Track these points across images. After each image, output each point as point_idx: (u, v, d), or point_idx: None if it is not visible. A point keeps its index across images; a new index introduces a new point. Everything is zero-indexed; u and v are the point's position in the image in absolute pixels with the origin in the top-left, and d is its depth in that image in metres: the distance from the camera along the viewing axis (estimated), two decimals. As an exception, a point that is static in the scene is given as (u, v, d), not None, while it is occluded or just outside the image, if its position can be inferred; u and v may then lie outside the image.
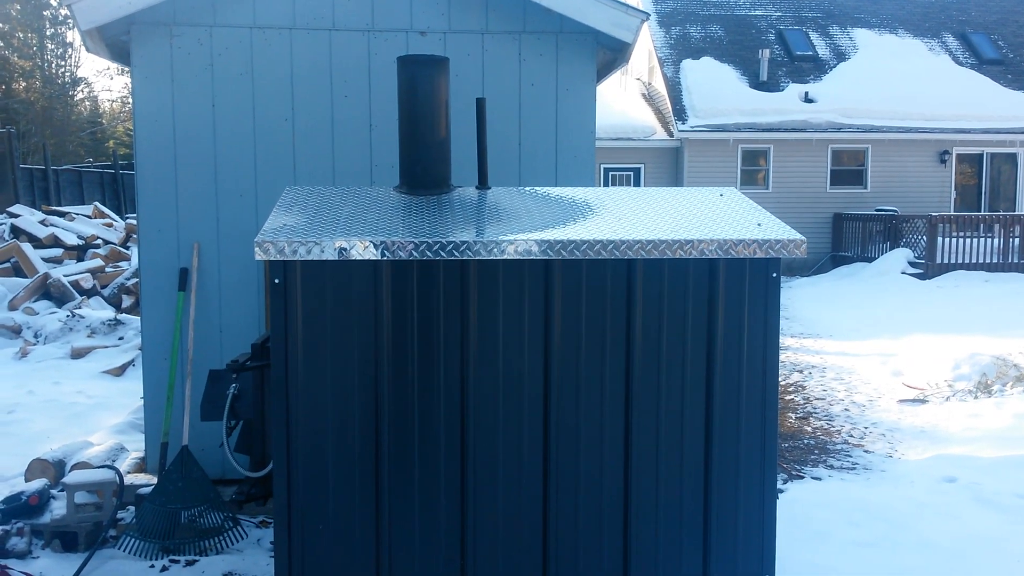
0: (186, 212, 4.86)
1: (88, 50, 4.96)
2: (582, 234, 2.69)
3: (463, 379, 2.74)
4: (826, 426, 6.88)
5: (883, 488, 5.27)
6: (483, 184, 3.36)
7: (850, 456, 6.05)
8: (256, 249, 2.66)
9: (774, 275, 2.70)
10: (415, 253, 2.67)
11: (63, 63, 34.88)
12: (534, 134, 5.03)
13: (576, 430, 2.76)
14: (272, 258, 2.66)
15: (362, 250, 2.68)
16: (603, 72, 5.59)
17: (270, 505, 3.11)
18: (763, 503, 2.77)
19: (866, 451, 6.17)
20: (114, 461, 4.94)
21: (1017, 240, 15.79)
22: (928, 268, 15.62)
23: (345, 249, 2.67)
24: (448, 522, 2.77)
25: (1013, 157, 19.25)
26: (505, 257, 2.65)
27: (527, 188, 3.43)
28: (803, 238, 2.72)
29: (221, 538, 4.24)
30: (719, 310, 2.72)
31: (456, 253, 2.64)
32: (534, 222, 2.88)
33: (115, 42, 4.99)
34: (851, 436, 6.57)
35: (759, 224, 2.80)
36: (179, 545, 4.16)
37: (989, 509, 4.75)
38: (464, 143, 4.52)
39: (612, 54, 5.30)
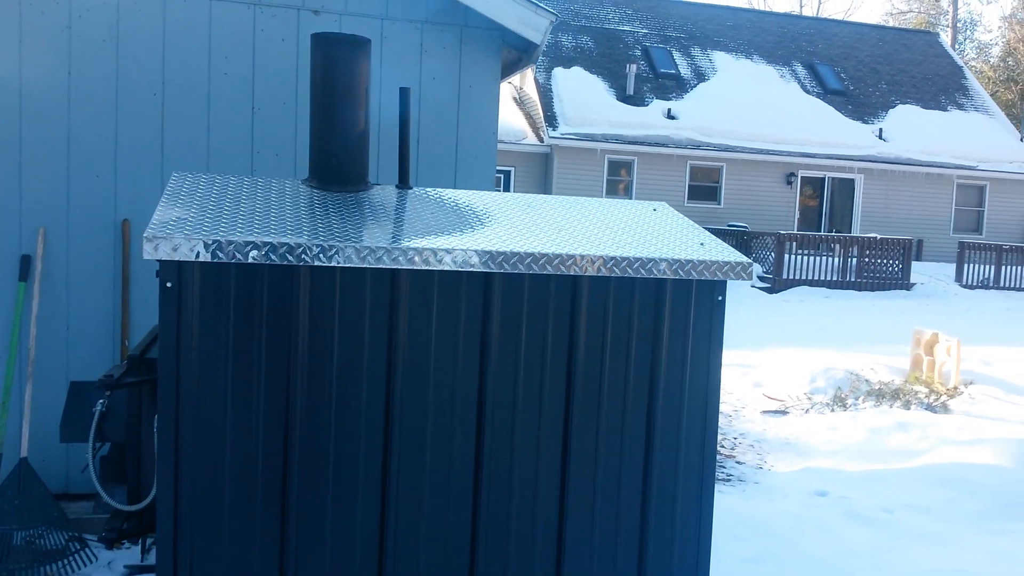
0: (31, 192, 4.24)
1: (-83, -3, 4.22)
2: (525, 246, 2.46)
3: (388, 398, 2.45)
4: (700, 437, 7.01)
5: (760, 501, 5.38)
6: (404, 183, 3.06)
7: (724, 467, 6.17)
8: (146, 245, 2.25)
9: (719, 298, 2.59)
10: (338, 258, 2.34)
11: None
12: (434, 131, 4.77)
13: (511, 455, 2.53)
14: (163, 257, 2.26)
15: (273, 252, 2.33)
16: (506, 72, 5.40)
17: (151, 539, 2.68)
18: (700, 524, 2.66)
19: (738, 462, 6.32)
20: (-70, 477, 4.23)
21: (855, 260, 17.02)
22: (775, 283, 16.54)
23: (253, 250, 2.31)
24: (363, 562, 2.46)
25: (851, 183, 20.81)
26: (443, 268, 2.38)
27: (455, 191, 3.17)
28: (750, 261, 2.63)
29: (65, 561, 3.71)
30: (664, 331, 2.58)
31: (387, 261, 2.34)
32: (470, 229, 2.62)
33: (-48, -8, 4.27)
34: (723, 446, 6.72)
35: (702, 244, 2.68)
36: (13, 571, 3.61)
37: (861, 524, 4.93)
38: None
39: (517, 53, 5.12)
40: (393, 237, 2.45)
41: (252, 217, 2.52)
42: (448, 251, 2.37)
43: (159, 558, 2.31)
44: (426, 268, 2.36)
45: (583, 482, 2.58)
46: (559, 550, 2.56)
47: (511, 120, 19.79)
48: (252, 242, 2.30)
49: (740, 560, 4.42)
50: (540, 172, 19.42)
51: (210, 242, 2.26)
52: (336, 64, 2.80)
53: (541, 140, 19.20)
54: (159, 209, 2.47)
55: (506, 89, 21.69)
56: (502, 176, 19.36)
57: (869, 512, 5.11)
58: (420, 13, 4.72)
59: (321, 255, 2.31)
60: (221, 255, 2.27)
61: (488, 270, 2.39)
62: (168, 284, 2.28)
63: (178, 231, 2.28)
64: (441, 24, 4.74)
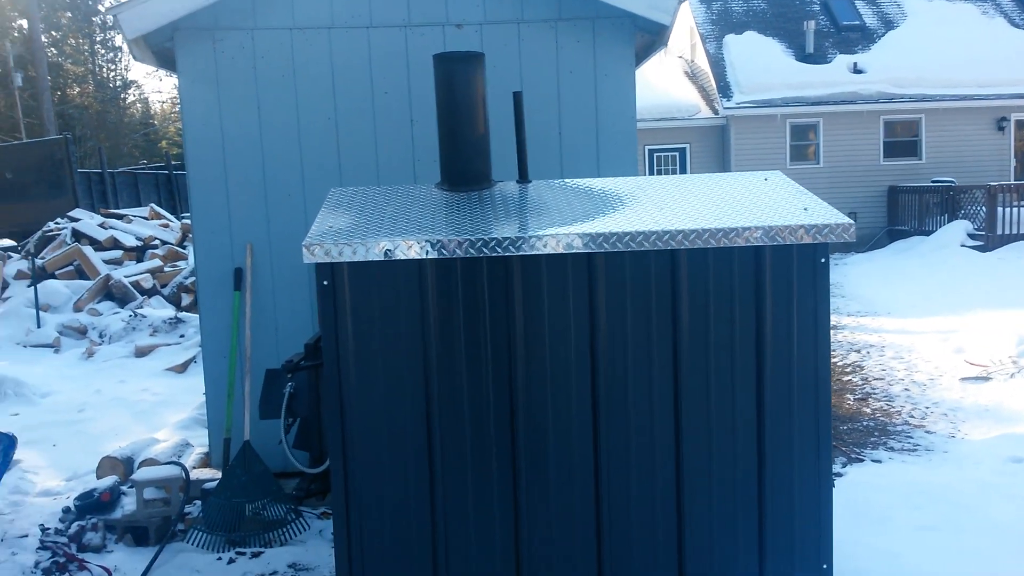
0: (237, 213, 4.97)
1: (135, 58, 5.09)
2: (624, 226, 2.68)
3: (511, 374, 2.77)
4: (886, 407, 6.74)
5: (946, 469, 5.16)
6: (523, 178, 3.37)
7: (911, 437, 5.93)
8: (304, 251, 2.72)
9: (823, 260, 2.66)
10: (458, 251, 2.69)
11: (114, 67, 35.79)
12: (574, 122, 5.01)
13: (626, 423, 2.76)
14: (320, 260, 2.71)
15: (407, 249, 2.72)
16: (642, 55, 5.53)
17: (330, 498, 3.19)
18: (819, 493, 2.74)
19: (927, 432, 6.04)
20: (179, 457, 5.10)
21: (1084, 206, 15.18)
22: (989, 240, 15.12)
23: (390, 250, 2.71)
24: (502, 516, 2.80)
25: (1078, 120, 18.48)
26: (548, 251, 2.66)
27: (568, 180, 3.43)
28: (851, 221, 2.66)
29: (284, 530, 4.34)
30: (767, 298, 2.69)
31: (499, 249, 2.66)
32: (575, 215, 2.88)
33: (160, 49, 5.11)
34: (912, 416, 6.43)
35: (805, 208, 2.75)
36: (244, 538, 4.28)
37: (1057, 489, 4.61)
38: (504, 136, 4.51)
39: (650, 37, 5.24)
40: (506, 227, 2.76)
41: (392, 221, 2.93)
42: (553, 236, 2.64)
43: (334, 510, 2.79)
44: (532, 253, 2.64)
45: (698, 448, 2.75)
46: (679, 515, 2.76)
47: (682, 95, 19.46)
48: (386, 244, 2.71)
49: (915, 528, 4.31)
50: (717, 145, 18.97)
51: (353, 246, 2.70)
52: (454, 79, 3.15)
53: (715, 112, 18.73)
54: (317, 221, 2.95)
55: (676, 64, 21.34)
56: (676, 154, 19.12)
57: (1068, 478, 4.76)
58: (552, 12, 4.98)
59: (443, 249, 2.67)
60: (364, 256, 2.69)
61: (590, 251, 2.64)
62: (324, 283, 2.74)
63: (328, 239, 2.73)
64: (573, 19, 4.98)
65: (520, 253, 2.69)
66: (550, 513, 2.83)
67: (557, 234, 2.66)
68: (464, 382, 2.78)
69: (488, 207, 3.02)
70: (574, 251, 2.66)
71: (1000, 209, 15.19)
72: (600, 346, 2.74)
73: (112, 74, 35.81)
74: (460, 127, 3.17)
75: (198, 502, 4.55)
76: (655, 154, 19.16)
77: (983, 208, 15.41)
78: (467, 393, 2.79)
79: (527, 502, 2.83)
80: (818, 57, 18.87)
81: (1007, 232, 15.12)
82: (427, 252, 2.71)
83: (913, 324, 9.85)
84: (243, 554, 4.20)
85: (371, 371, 2.78)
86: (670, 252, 2.68)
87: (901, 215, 17.91)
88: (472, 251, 2.69)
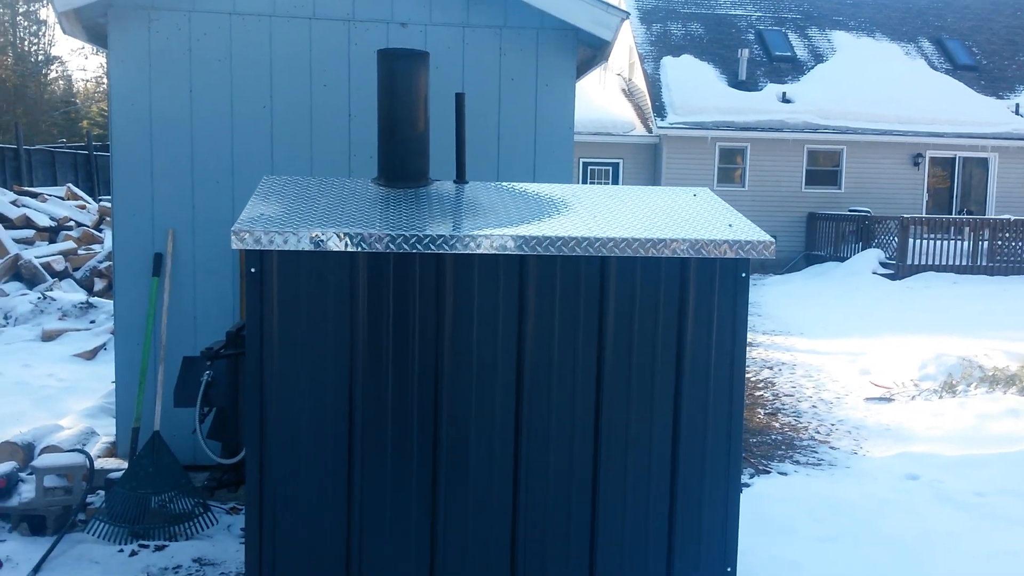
0: (161, 197, 4.84)
1: (64, 32, 4.91)
2: (557, 230, 2.73)
3: (437, 371, 2.78)
4: (794, 422, 6.99)
5: (847, 484, 5.38)
6: (461, 178, 3.39)
7: (816, 452, 6.16)
8: (233, 237, 2.68)
9: (743, 275, 2.76)
10: (391, 246, 2.69)
11: (36, 41, 34.25)
12: (513, 129, 5.06)
13: (547, 426, 2.81)
14: (249, 247, 2.67)
15: (338, 241, 2.70)
16: (583, 69, 5.62)
17: (242, 492, 3.13)
18: (727, 501, 2.84)
19: (832, 447, 6.29)
20: (84, 445, 4.92)
21: (986, 243, 16.08)
22: (899, 269, 15.87)
23: (321, 240, 2.69)
24: (419, 512, 2.80)
25: (984, 162, 19.59)
26: (481, 251, 2.68)
27: (504, 183, 3.47)
28: (772, 239, 2.78)
29: (191, 524, 4.24)
30: (689, 308, 2.78)
31: (432, 247, 2.67)
32: (510, 217, 2.91)
33: (92, 24, 4.94)
34: (818, 433, 6.69)
35: (730, 225, 2.85)
36: (149, 530, 4.16)
37: (949, 507, 4.87)
38: (444, 136, 4.54)
39: (592, 51, 5.34)
40: (441, 225, 2.77)
41: (325, 212, 2.91)
42: (487, 236, 2.67)
43: (247, 503, 2.74)
44: (464, 252, 2.67)
45: (615, 450, 2.82)
46: (592, 515, 2.81)
47: (619, 112, 19.84)
48: (318, 234, 2.69)
49: (816, 539, 4.49)
50: (649, 163, 19.38)
51: (284, 234, 2.66)
52: (397, 75, 3.15)
53: (650, 131, 19.15)
54: (247, 207, 2.90)
55: (615, 82, 21.74)
56: (610, 168, 19.46)
57: (960, 496, 5.02)
58: (498, 19, 5.02)
59: (376, 243, 2.66)
60: (295, 245, 2.66)
61: (523, 253, 2.67)
62: (252, 270, 2.69)
63: (259, 225, 2.69)
64: (518, 28, 5.03)
65: (453, 252, 2.71)
66: (467, 515, 2.85)
67: (491, 235, 2.69)
68: (389, 378, 2.78)
69: (424, 204, 3.03)
70: (507, 252, 2.69)
71: (911, 240, 15.97)
72: (527, 348, 2.78)
73: (34, 48, 34.26)
74: (401, 123, 3.18)
75: (102, 492, 4.40)
76: (590, 167, 19.45)
77: (895, 239, 16.17)
78: (391, 389, 2.79)
79: (445, 503, 2.84)
80: (750, 84, 19.50)
81: (916, 263, 15.90)
82: (359, 245, 2.70)
83: (824, 345, 10.24)
84: (146, 547, 4.08)
85: (294, 362, 2.75)
86: (600, 259, 2.74)
87: (819, 241, 18.63)
88: (405, 247, 2.69)
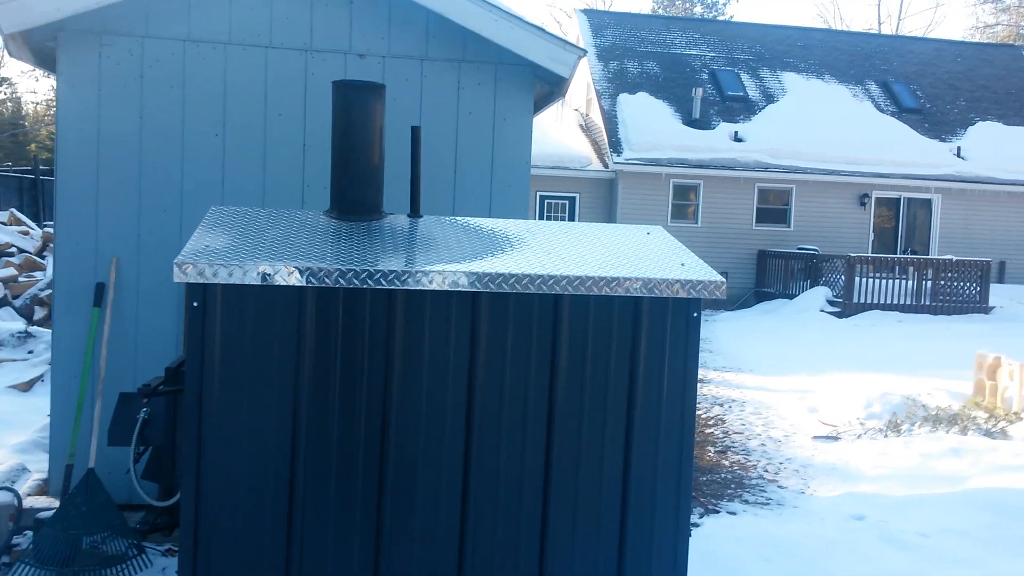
0: (106, 225, 4.71)
1: (11, 54, 4.79)
2: (511, 267, 2.70)
3: (384, 410, 2.71)
4: (743, 460, 7.02)
5: (795, 524, 5.40)
6: (415, 212, 3.35)
7: (764, 491, 6.19)
8: (175, 270, 2.59)
9: (695, 315, 2.76)
10: (342, 280, 2.63)
11: (-16, 60, 33.44)
12: (470, 162, 5.06)
13: (497, 463, 2.75)
14: (192, 280, 2.59)
15: (287, 275, 2.63)
16: (540, 104, 5.66)
17: (177, 534, 3.00)
18: (676, 542, 2.80)
19: (780, 487, 6.32)
20: (14, 483, 4.70)
21: (930, 283, 16.54)
22: (846, 307, 16.20)
23: (269, 274, 2.62)
24: (362, 558, 2.71)
25: (928, 203, 20.22)
26: (433, 287, 2.64)
27: (459, 218, 3.44)
28: (723, 279, 2.79)
29: (124, 566, 4.06)
30: (641, 347, 2.76)
31: (383, 282, 2.62)
32: (464, 253, 2.88)
33: (41, 48, 4.82)
34: (766, 471, 6.72)
35: (683, 264, 2.86)
36: (78, 573, 3.97)
37: (894, 547, 4.91)
38: (399, 168, 4.50)
39: (549, 87, 5.38)
40: (393, 260, 2.72)
41: (273, 245, 2.84)
42: (439, 272, 2.63)
43: (181, 547, 2.62)
44: (416, 288, 2.62)
45: (564, 490, 2.77)
46: (541, 555, 2.75)
47: (576, 146, 20.06)
48: (265, 269, 2.61)
49: (765, 579, 4.48)
50: (605, 198, 19.59)
51: (229, 268, 2.59)
52: (352, 107, 3.12)
53: (606, 166, 19.38)
54: (192, 239, 2.82)
55: (572, 117, 22.00)
56: (567, 202, 19.61)
57: (904, 536, 5.07)
58: (457, 53, 5.04)
59: (326, 278, 2.60)
60: (240, 279, 2.58)
61: (476, 290, 2.64)
62: (194, 304, 2.60)
63: (203, 258, 2.61)
64: (476, 62, 5.05)
65: (405, 287, 2.65)
66: (412, 558, 2.77)
67: (444, 271, 2.65)
68: (335, 418, 2.70)
69: (377, 238, 2.98)
70: (459, 289, 2.65)
71: (858, 279, 16.35)
72: (477, 385, 2.73)
73: (-19, 68, 33.45)
74: (355, 155, 3.13)
75: (29, 532, 4.19)
76: (546, 200, 19.57)
77: (843, 277, 16.53)
78: (337, 430, 2.71)
79: (389, 546, 2.75)
80: (703, 123, 19.91)
81: (863, 301, 16.27)
82: (308, 280, 2.63)
83: (773, 382, 10.36)
84: (77, 590, 3.89)
85: (236, 400, 2.65)
86: (553, 296, 2.71)
87: (768, 278, 18.97)
88: (356, 282, 2.63)
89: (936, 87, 22.56)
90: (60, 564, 3.95)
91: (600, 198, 19.53)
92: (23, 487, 4.66)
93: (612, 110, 19.96)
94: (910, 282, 16.63)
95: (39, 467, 5.08)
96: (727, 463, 6.92)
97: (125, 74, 4.69)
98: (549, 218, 19.61)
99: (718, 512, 5.62)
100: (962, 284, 16.50)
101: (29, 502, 4.40)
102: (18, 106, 37.45)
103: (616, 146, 19.10)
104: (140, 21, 4.67)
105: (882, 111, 21.25)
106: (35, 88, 47.00)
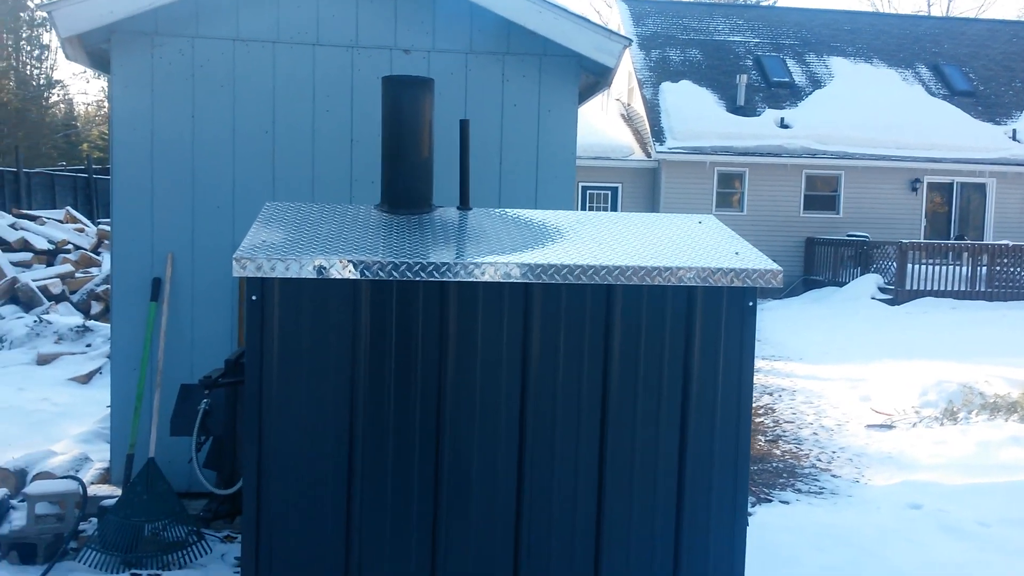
0: (161, 221, 4.82)
1: (67, 57, 4.91)
2: (562, 258, 2.70)
3: (439, 400, 2.74)
4: (795, 450, 6.94)
5: (849, 513, 5.32)
6: (464, 205, 3.37)
7: (818, 480, 6.11)
8: (234, 264, 2.65)
9: (750, 304, 2.73)
10: (395, 273, 2.66)
11: (39, 64, 34.41)
12: (515, 154, 5.06)
13: (551, 454, 2.76)
14: (250, 274, 2.64)
15: (341, 269, 2.67)
16: (585, 95, 5.63)
17: (238, 521, 3.08)
18: (733, 532, 2.78)
19: (833, 475, 6.23)
20: (78, 471, 4.85)
21: (984, 268, 16.10)
22: (898, 294, 15.86)
23: (324, 267, 2.66)
24: (420, 546, 2.75)
25: (982, 187, 19.67)
26: (485, 279, 2.66)
27: (508, 210, 3.45)
28: (779, 268, 2.75)
29: (185, 552, 4.17)
30: (696, 337, 2.74)
31: (436, 274, 2.64)
32: (515, 245, 2.89)
33: (95, 50, 4.94)
34: (819, 460, 6.63)
35: (737, 253, 2.83)
36: (141, 559, 4.09)
37: (953, 536, 4.81)
38: (446, 161, 4.53)
39: (594, 77, 5.35)
40: (445, 253, 2.75)
41: (327, 239, 2.89)
42: (492, 264, 2.64)
43: (244, 533, 2.69)
44: (469, 280, 2.64)
45: (620, 481, 2.77)
46: (597, 547, 2.76)
47: (618, 137, 19.92)
48: (320, 262, 2.66)
49: (819, 568, 4.43)
50: (648, 188, 19.43)
51: (286, 262, 2.64)
52: (401, 102, 3.14)
53: (648, 155, 19.22)
54: (249, 234, 2.87)
55: (614, 107, 21.86)
56: (609, 192, 19.50)
57: (963, 525, 4.97)
58: (502, 46, 5.03)
59: (379, 271, 2.63)
60: (297, 272, 2.63)
61: (528, 281, 2.65)
62: (253, 297, 2.66)
63: (261, 253, 2.67)
64: (521, 55, 5.04)
65: (457, 279, 2.68)
66: (468, 548, 2.80)
67: (495, 262, 2.66)
68: (391, 408, 2.74)
69: (428, 231, 3.01)
70: (511, 280, 2.66)
71: (910, 266, 15.98)
72: (531, 377, 2.74)
73: (36, 72, 34.41)
74: (405, 150, 3.16)
75: (94, 520, 4.33)
76: (588, 191, 19.49)
77: (894, 264, 16.18)
78: (393, 419, 2.75)
79: (446, 536, 2.78)
80: (748, 110, 19.60)
81: (915, 288, 15.90)
82: (363, 273, 2.67)
83: (824, 371, 10.20)
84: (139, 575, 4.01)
85: (294, 391, 2.71)
86: (606, 287, 2.71)
87: (817, 266, 18.64)
88: (409, 274, 2.66)
89: (990, 69, 21.89)
90: (124, 550, 4.07)
91: (642, 188, 19.38)
92: (86, 476, 4.81)
93: (654, 99, 19.77)
94: (964, 268, 16.20)
95: (100, 456, 5.23)
96: (778, 452, 6.84)
97: (176, 74, 4.78)
98: (591, 208, 19.53)
99: (771, 501, 5.57)
100: (1018, 270, 16.03)
101: (93, 490, 4.54)
102: (70, 108, 38.49)
103: (659, 135, 18.92)
104: (190, 22, 4.76)
105: (933, 94, 20.69)
106: (86, 90, 48.24)
